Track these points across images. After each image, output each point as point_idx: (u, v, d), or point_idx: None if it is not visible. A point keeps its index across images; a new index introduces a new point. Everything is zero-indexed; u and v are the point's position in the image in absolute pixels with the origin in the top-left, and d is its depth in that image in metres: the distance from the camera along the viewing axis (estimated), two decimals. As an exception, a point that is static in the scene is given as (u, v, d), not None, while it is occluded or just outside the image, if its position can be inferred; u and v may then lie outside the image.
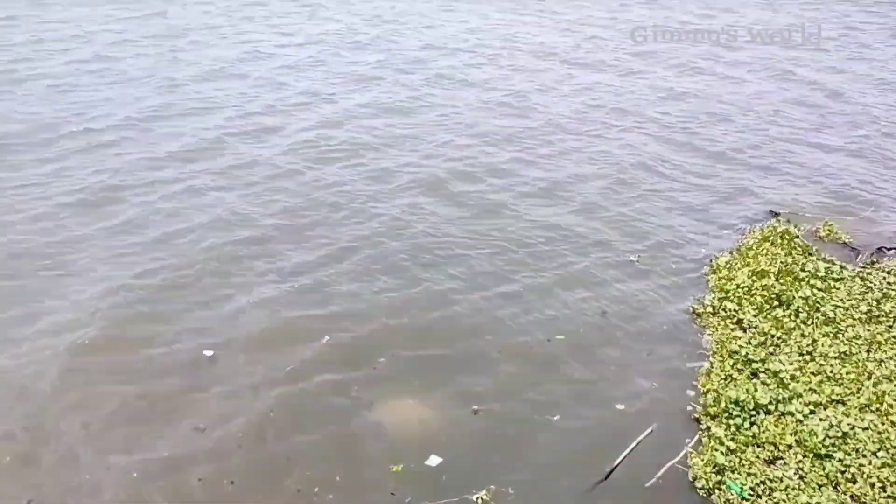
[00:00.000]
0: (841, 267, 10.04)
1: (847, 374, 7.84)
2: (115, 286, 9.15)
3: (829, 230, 11.34)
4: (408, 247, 10.59)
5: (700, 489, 6.56)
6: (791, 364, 7.99)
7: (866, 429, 7.04)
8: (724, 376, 7.88)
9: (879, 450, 6.81)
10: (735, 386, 7.62)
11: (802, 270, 9.79)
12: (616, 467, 6.77)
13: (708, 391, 7.72)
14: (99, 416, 7.13)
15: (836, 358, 8.11)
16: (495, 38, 27.31)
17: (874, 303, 9.17)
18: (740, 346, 8.23)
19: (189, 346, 8.18)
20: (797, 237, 10.93)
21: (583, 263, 10.36)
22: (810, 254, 10.48)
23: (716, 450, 6.85)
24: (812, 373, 7.89)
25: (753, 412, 7.30)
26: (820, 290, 9.37)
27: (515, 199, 12.41)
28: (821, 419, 7.16)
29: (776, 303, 9.04)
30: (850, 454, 6.78)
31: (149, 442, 6.85)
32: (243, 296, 9.18)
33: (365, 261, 10.16)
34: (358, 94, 18.70)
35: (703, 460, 6.79)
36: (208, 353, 8.08)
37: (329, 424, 7.18)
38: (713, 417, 7.35)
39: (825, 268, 9.89)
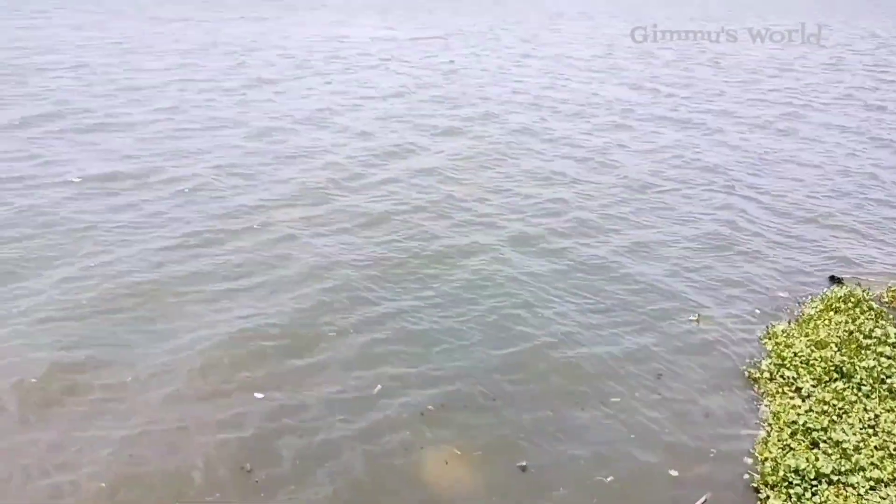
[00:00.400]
0: (910, 335, 9.78)
1: (912, 452, 7.67)
2: (204, 335, 9.60)
3: (893, 295, 11.11)
4: (491, 303, 10.75)
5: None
6: (854, 435, 7.84)
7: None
8: (782, 445, 7.81)
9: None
10: (794, 455, 7.54)
11: (868, 337, 9.60)
12: (668, 535, 6.79)
13: (766, 459, 7.65)
14: (185, 465, 7.35)
15: (901, 434, 7.94)
16: (569, 94, 28.02)
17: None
18: (798, 415, 8.15)
19: (270, 398, 8.45)
20: (866, 300, 10.74)
21: (647, 324, 10.45)
22: (881, 317, 10.26)
23: (774, 522, 6.82)
24: (875, 447, 7.74)
25: (814, 482, 7.19)
26: (888, 357, 9.16)
27: (599, 255, 12.68)
28: (881, 497, 7.03)
29: (836, 375, 8.90)
30: (913, 538, 6.63)
31: (231, 499, 7.05)
32: (328, 346, 9.50)
33: (446, 315, 10.36)
34: (440, 145, 19.57)
35: (760, 532, 6.75)
36: (258, 394, 8.40)
37: (380, 480, 7.31)
38: (772, 487, 7.27)
39: (895, 333, 9.67)
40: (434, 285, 11.32)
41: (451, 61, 34.64)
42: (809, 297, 11.43)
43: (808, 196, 16.53)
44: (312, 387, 8.69)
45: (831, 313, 10.43)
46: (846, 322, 10.05)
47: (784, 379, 8.98)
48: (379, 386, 8.70)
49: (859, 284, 11.55)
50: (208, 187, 15.25)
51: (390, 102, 25.02)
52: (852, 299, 10.72)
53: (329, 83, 28.16)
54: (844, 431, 7.89)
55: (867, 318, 10.17)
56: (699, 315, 10.71)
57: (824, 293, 11.40)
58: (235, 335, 9.57)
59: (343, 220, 13.81)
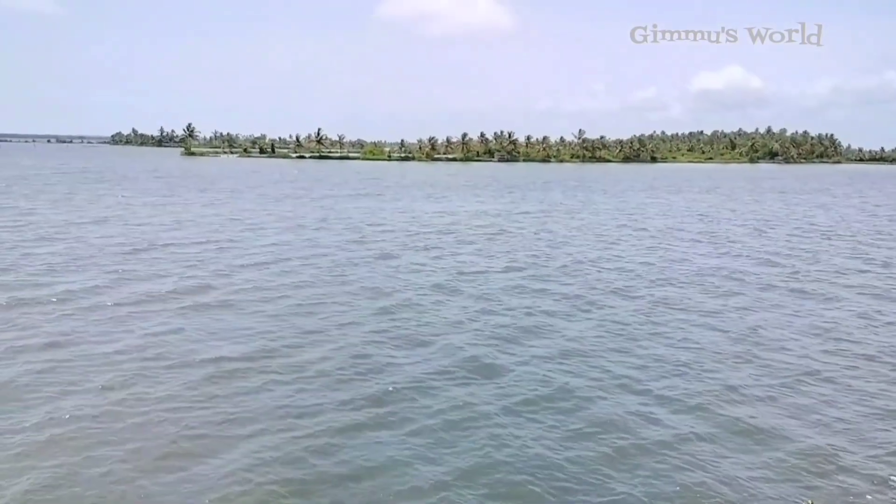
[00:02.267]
0: None
1: None
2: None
3: None
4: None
5: None
6: None
7: None
8: None
9: None
10: None
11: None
12: None
13: None
14: None
15: None
16: (673, 263, 30.01)
17: None
18: None
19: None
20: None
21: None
22: None
23: None
24: None
25: None
26: None
27: (717, 434, 13.01)
28: None
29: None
30: None
31: None
32: None
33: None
34: (576, 321, 20.96)
35: None
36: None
37: None
38: None
39: None
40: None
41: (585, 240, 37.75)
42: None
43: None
44: None
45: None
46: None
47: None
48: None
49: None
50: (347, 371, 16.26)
51: (516, 274, 27.27)
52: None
53: (453, 253, 30.37)
54: None
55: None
56: (812, 501, 10.90)
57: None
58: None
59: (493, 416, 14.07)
